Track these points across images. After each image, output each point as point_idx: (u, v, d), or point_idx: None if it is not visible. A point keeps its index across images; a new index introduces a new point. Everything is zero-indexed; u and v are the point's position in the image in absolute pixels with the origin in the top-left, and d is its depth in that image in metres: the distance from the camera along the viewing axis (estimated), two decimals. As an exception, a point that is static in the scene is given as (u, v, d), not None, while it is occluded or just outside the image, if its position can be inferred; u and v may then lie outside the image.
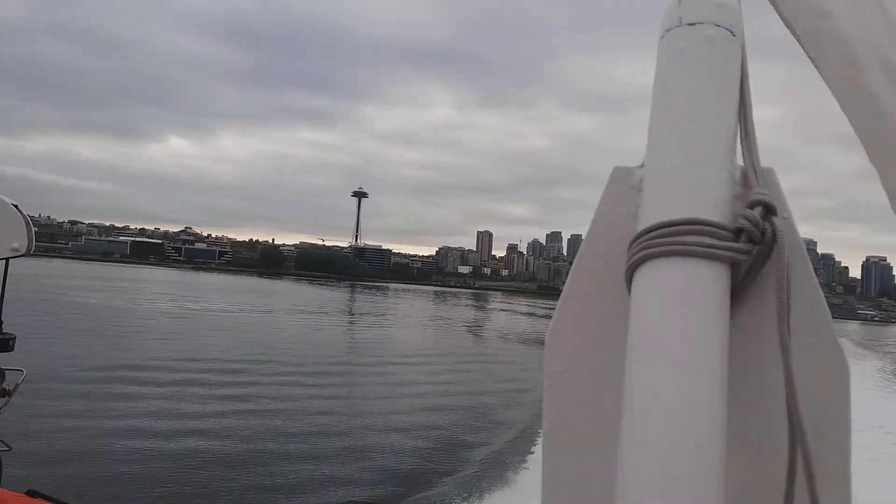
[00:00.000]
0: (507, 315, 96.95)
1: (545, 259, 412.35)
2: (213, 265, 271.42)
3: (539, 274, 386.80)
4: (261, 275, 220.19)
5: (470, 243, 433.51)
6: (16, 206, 3.07)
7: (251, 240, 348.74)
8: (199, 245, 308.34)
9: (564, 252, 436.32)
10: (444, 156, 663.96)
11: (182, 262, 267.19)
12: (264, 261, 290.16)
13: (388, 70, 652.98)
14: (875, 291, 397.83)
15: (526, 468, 16.36)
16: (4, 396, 3.07)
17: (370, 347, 40.90)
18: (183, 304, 62.90)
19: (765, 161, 0.85)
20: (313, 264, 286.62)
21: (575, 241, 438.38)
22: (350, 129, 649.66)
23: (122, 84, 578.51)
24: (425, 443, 18.75)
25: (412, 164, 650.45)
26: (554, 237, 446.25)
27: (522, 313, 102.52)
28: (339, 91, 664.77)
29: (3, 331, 3.16)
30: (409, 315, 79.46)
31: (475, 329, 64.47)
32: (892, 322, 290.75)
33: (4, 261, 3.07)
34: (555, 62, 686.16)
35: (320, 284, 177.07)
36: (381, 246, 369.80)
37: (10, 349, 3.13)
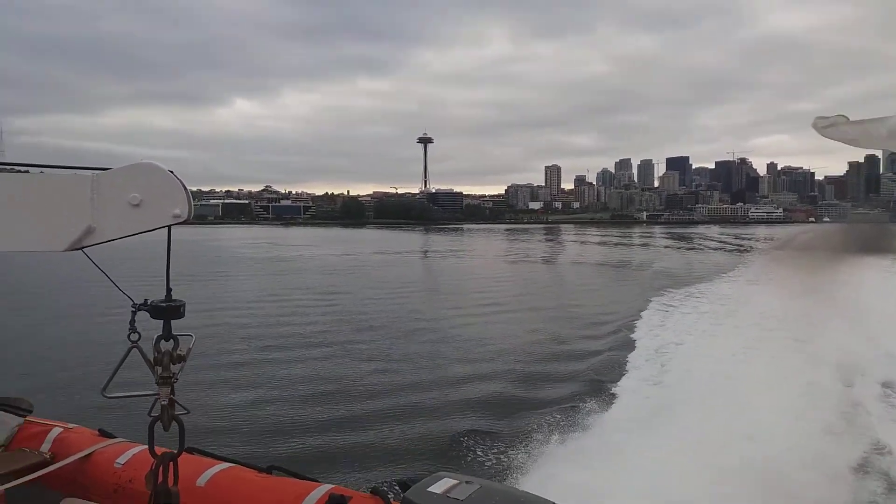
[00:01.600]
0: (577, 245, 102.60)
1: (616, 188, 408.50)
2: (300, 220, 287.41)
3: (611, 203, 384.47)
4: (344, 225, 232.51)
5: (538, 179, 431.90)
6: (172, 172, 2.84)
7: (327, 193, 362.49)
8: (283, 202, 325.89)
9: (635, 179, 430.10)
10: (503, 92, 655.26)
11: (271, 219, 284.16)
12: (346, 212, 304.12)
13: (440, 9, 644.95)
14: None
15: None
16: (180, 362, 2.96)
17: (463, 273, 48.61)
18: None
19: None
20: (391, 212, 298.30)
21: (645, 166, 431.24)
22: (407, 75, 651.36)
23: (187, 52, 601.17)
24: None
25: (472, 104, 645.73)
26: (623, 164, 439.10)
27: (594, 243, 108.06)
28: (393, 37, 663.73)
29: (173, 297, 2.99)
30: (500, 251, 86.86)
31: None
32: None
33: (167, 228, 2.85)
34: None
35: (402, 230, 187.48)
36: (452, 189, 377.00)
37: (181, 315, 2.94)
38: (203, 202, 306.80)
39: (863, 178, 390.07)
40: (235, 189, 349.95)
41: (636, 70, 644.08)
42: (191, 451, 3.77)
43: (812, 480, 9.00)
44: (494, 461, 11.16)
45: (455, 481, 3.15)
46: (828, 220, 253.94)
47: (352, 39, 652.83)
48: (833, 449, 10.57)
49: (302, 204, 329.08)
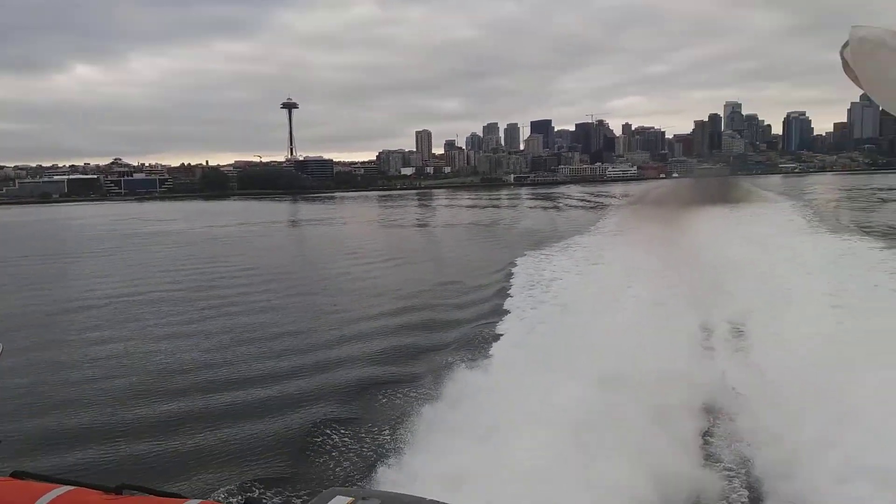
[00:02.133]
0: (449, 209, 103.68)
1: (485, 152, 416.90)
2: (157, 194, 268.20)
3: (481, 167, 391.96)
4: (206, 198, 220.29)
5: (409, 144, 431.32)
6: None
7: (184, 164, 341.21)
8: (137, 176, 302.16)
9: (502, 142, 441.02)
10: (371, 56, 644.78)
11: (124, 194, 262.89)
12: (207, 184, 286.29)
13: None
14: (795, 145, 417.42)
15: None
16: None
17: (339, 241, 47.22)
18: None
19: None
20: (257, 182, 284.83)
21: (511, 130, 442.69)
22: (268, 37, 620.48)
23: (15, 14, 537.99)
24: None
25: (339, 67, 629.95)
26: (490, 129, 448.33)
27: (466, 206, 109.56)
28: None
29: None
30: (369, 216, 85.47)
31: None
32: (811, 172, 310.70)
33: None
34: None
35: (270, 200, 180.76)
36: (321, 156, 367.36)
37: None
38: (45, 179, 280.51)
39: (707, 135, 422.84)
40: (81, 163, 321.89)
41: (502, 35, 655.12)
42: (19, 475, 2.97)
43: (673, 392, 10.14)
44: (369, 455, 10.23)
45: (350, 498, 2.70)
46: (676, 175, 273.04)
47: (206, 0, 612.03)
48: (693, 367, 11.96)
49: (157, 177, 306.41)
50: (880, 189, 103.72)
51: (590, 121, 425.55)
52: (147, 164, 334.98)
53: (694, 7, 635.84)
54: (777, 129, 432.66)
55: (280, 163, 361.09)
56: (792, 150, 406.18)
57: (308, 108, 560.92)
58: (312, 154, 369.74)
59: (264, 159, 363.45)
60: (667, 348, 12.48)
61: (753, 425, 9.63)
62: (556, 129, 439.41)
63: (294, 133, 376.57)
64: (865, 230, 37.82)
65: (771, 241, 31.63)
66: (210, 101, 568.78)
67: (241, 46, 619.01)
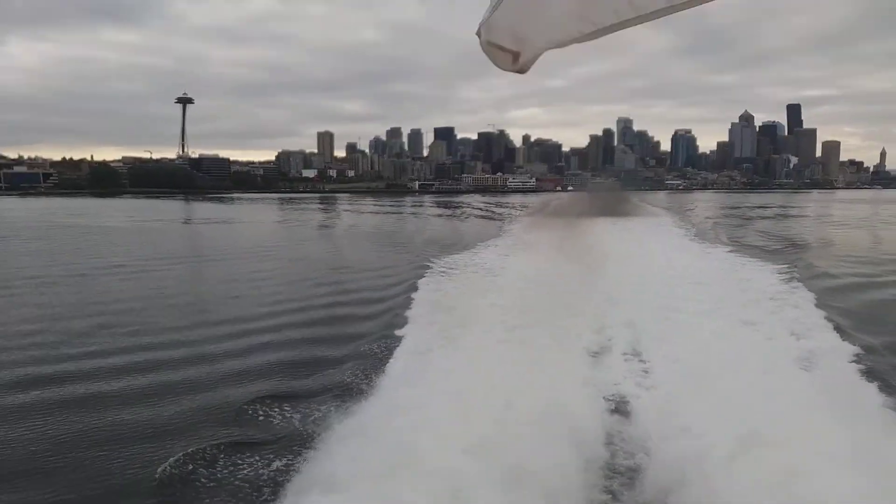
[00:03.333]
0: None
1: (389, 156, 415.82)
2: (42, 189, 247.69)
3: (385, 172, 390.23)
4: (95, 195, 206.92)
5: (309, 145, 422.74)
6: None
7: (65, 158, 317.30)
8: (18, 169, 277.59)
9: (406, 147, 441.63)
10: (271, 52, 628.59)
11: (5, 188, 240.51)
12: (97, 180, 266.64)
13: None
14: (682, 162, 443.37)
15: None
16: None
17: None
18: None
19: None
20: (150, 180, 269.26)
21: (414, 135, 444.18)
22: (161, 27, 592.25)
23: None
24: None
25: (237, 63, 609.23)
26: (394, 133, 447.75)
27: (370, 212, 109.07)
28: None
29: None
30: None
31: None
32: (694, 189, 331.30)
33: None
34: None
35: (165, 199, 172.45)
36: (218, 154, 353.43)
37: None
38: None
39: (601, 149, 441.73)
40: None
41: (407, 39, 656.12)
42: None
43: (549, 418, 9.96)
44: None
45: None
46: (571, 188, 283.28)
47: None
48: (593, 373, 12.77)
49: (41, 171, 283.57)
50: (752, 207, 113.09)
51: (492, 130, 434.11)
52: (27, 157, 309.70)
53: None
54: (666, 146, 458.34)
55: (171, 159, 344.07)
56: (679, 167, 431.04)
57: (203, 104, 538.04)
58: (206, 151, 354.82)
59: (154, 155, 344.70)
60: (559, 373, 12.62)
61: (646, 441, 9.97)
62: (458, 137, 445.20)
63: (187, 129, 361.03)
64: (736, 245, 41.62)
65: (656, 254, 34.63)
66: (95, 91, 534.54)
67: (131, 35, 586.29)
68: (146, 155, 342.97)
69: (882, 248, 44.71)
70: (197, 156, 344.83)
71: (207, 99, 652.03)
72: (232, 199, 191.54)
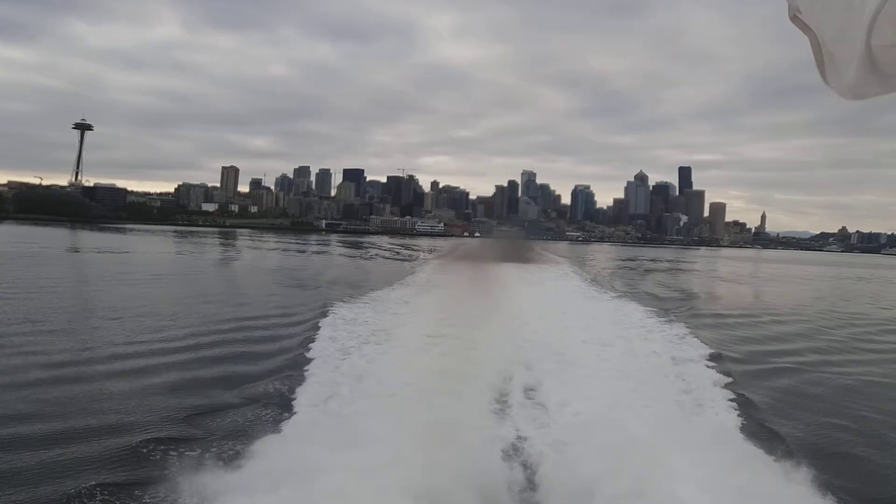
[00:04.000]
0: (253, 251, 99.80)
1: (296, 195, 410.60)
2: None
3: (290, 209, 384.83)
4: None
5: (212, 179, 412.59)
6: None
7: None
8: None
9: (313, 186, 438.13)
10: (174, 81, 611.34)
11: None
12: None
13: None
14: (581, 215, 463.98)
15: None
16: None
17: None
18: None
19: None
20: (37, 206, 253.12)
21: (323, 175, 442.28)
22: (55, 47, 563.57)
23: None
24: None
25: (137, 90, 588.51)
26: (302, 172, 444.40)
27: (271, 249, 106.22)
28: (36, 0, 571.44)
29: None
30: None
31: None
32: (592, 241, 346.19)
33: None
34: None
35: (52, 227, 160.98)
36: (114, 184, 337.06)
37: None
38: None
39: (506, 199, 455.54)
40: None
41: (318, 78, 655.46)
42: None
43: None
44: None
45: None
46: (478, 234, 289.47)
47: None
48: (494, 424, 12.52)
49: None
50: (647, 260, 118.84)
51: (401, 175, 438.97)
52: None
53: (499, 78, 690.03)
54: (566, 199, 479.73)
55: (62, 186, 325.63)
56: (578, 219, 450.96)
57: (100, 130, 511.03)
58: (102, 180, 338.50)
59: (45, 182, 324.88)
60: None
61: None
62: (368, 179, 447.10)
63: (83, 156, 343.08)
64: (632, 294, 43.19)
65: (557, 299, 35.47)
66: None
67: (19, 52, 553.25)
68: (35, 180, 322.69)
69: (762, 300, 47.81)
70: (91, 184, 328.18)
71: (105, 126, 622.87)
72: (124, 229, 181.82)
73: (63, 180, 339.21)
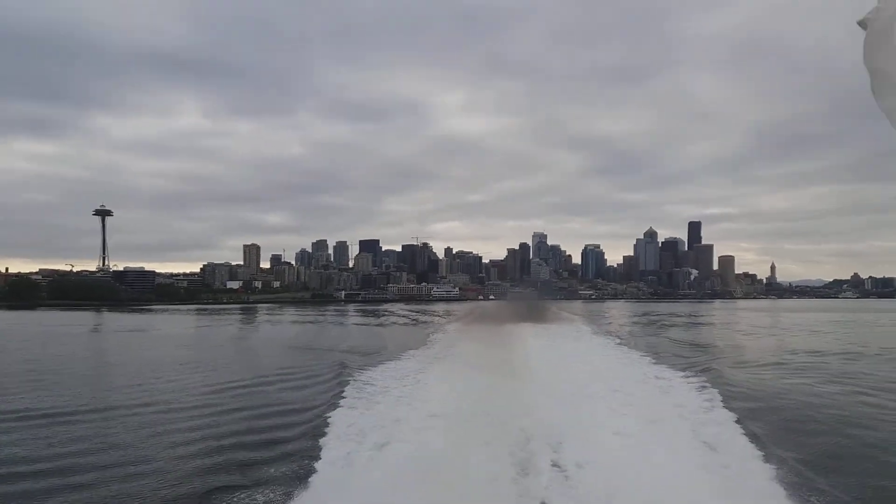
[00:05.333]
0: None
1: (315, 268, 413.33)
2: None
3: (311, 282, 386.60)
4: (11, 307, 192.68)
5: (232, 256, 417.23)
6: None
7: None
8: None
9: (332, 259, 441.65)
10: (195, 165, 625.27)
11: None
12: (14, 292, 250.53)
13: (129, 79, 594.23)
14: (591, 273, 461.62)
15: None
16: None
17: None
18: None
19: None
20: (70, 292, 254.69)
21: (340, 247, 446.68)
22: (81, 139, 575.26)
23: None
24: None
25: (158, 174, 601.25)
26: (320, 245, 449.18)
27: (290, 322, 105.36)
28: (68, 99, 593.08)
29: None
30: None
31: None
32: (605, 299, 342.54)
33: None
34: (312, 72, 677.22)
35: (83, 311, 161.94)
36: (143, 267, 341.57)
37: None
38: None
39: (518, 261, 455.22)
40: None
41: (333, 154, 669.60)
42: None
43: None
44: None
45: None
46: (493, 297, 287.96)
47: (12, 96, 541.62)
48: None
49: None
50: (663, 315, 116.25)
51: (415, 243, 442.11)
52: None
53: (509, 145, 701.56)
54: (577, 259, 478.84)
55: (92, 272, 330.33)
56: (589, 278, 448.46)
57: (121, 216, 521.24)
58: (128, 264, 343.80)
59: (76, 268, 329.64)
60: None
61: None
62: (383, 249, 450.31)
63: (107, 241, 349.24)
64: (653, 352, 40.89)
65: (577, 360, 33.74)
66: (6, 201, 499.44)
67: (47, 146, 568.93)
68: (66, 268, 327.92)
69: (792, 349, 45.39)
70: (121, 268, 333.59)
71: (126, 210, 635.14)
72: (152, 310, 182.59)
73: (92, 265, 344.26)
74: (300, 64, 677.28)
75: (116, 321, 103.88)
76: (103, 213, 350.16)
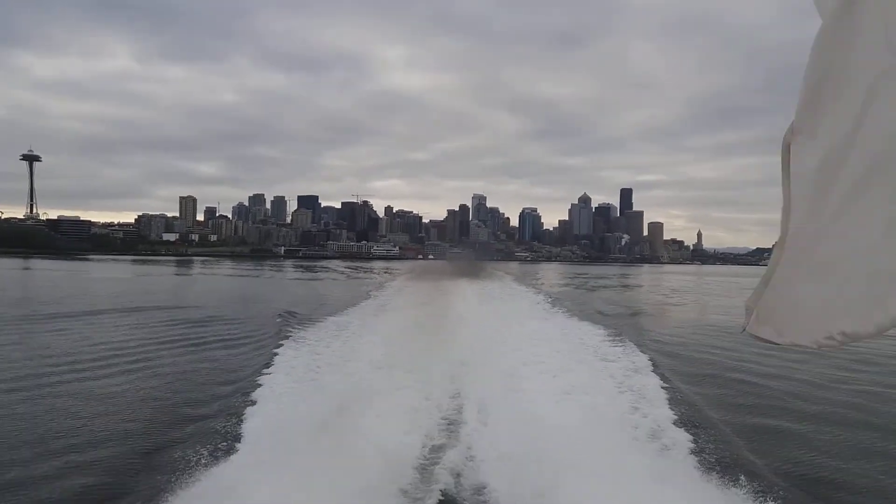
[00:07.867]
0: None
1: (253, 223, 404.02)
2: None
3: (250, 237, 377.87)
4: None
5: (167, 208, 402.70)
6: None
7: None
8: None
9: (270, 214, 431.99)
10: (124, 109, 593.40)
11: None
12: None
13: (55, 15, 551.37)
14: (528, 236, 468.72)
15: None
16: None
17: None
18: None
19: None
20: (4, 240, 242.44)
21: (278, 202, 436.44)
22: (0, 76, 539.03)
23: None
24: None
25: (84, 118, 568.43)
26: (257, 200, 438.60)
27: (227, 275, 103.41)
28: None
29: None
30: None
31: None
32: (540, 261, 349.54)
33: None
34: (248, 18, 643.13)
35: (16, 258, 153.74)
36: (78, 217, 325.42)
37: None
38: None
39: (457, 222, 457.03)
40: None
41: (269, 104, 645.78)
42: None
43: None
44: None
45: None
46: (432, 257, 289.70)
47: None
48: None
49: None
50: (591, 277, 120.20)
51: (355, 200, 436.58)
52: None
53: (451, 103, 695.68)
54: (514, 222, 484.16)
55: (20, 219, 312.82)
56: (526, 241, 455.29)
57: (47, 160, 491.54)
58: (56, 211, 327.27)
59: (4, 215, 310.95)
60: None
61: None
62: (322, 205, 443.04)
63: (35, 187, 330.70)
64: (581, 312, 42.53)
65: (508, 316, 34.39)
66: None
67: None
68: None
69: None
70: (54, 216, 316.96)
71: (51, 155, 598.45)
72: (89, 259, 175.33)
73: (18, 213, 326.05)
74: (238, 7, 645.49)
75: (78, 269, 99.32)
76: (31, 158, 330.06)
